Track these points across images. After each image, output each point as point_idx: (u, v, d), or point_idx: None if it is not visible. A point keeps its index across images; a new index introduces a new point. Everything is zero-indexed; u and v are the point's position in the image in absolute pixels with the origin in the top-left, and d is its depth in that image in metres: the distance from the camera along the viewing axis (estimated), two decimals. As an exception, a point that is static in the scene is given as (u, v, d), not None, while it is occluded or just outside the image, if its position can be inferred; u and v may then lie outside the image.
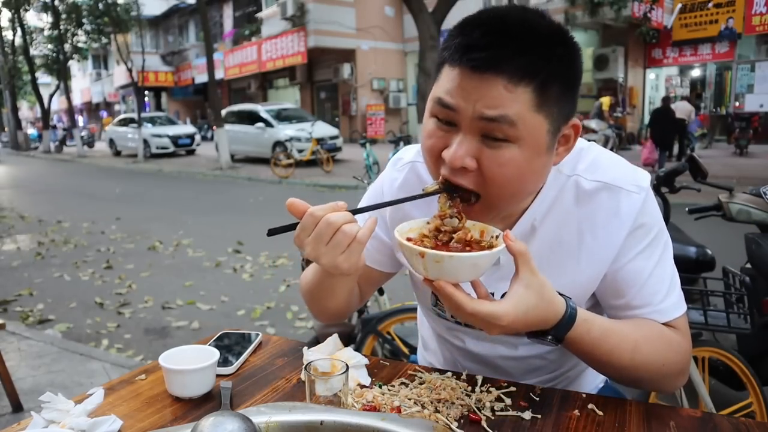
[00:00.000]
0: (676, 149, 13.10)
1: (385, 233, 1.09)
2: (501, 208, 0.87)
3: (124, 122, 21.08)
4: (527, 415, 0.84)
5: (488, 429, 0.81)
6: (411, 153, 1.08)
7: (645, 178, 0.93)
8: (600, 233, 0.92)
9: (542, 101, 0.78)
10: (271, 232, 0.80)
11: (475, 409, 0.85)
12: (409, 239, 0.82)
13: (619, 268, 0.92)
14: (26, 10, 22.60)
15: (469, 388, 0.92)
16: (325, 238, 0.78)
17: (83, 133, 24.57)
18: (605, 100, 13.49)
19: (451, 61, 0.80)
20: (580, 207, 0.93)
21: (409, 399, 0.88)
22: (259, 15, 22.35)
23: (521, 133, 0.78)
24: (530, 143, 0.79)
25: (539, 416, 0.84)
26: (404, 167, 1.07)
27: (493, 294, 0.95)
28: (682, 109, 12.94)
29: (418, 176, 1.04)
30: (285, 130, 14.71)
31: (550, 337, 0.84)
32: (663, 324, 0.92)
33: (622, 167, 0.94)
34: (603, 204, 0.91)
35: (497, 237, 0.82)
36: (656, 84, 18.40)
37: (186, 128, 21.07)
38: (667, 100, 12.52)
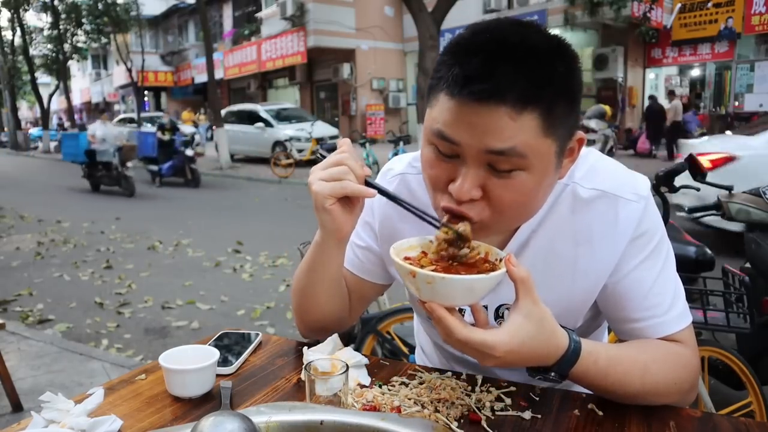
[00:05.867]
0: (675, 149, 13.17)
1: (376, 243, 1.06)
2: (501, 230, 0.85)
3: (124, 122, 21.08)
4: (527, 414, 0.84)
5: (488, 429, 0.81)
6: (401, 164, 1.04)
7: (645, 185, 0.90)
8: (597, 244, 0.88)
9: (549, 124, 0.74)
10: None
11: (475, 409, 0.85)
12: (407, 258, 0.77)
13: (620, 279, 0.89)
14: (26, 10, 22.60)
15: (469, 388, 0.92)
16: (326, 164, 0.85)
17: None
18: (608, 110, 13.48)
19: (450, 92, 0.74)
20: (576, 216, 0.89)
21: (409, 399, 0.88)
22: (258, 15, 22.32)
23: (530, 161, 0.74)
24: (539, 168, 0.76)
25: (539, 416, 0.84)
26: (394, 179, 1.02)
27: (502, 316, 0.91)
28: (677, 107, 13.20)
29: (409, 189, 1.00)
30: (285, 130, 14.72)
31: (553, 374, 0.79)
32: (668, 336, 0.89)
33: (620, 175, 0.91)
34: (600, 213, 0.88)
35: (500, 260, 0.76)
36: (656, 84, 18.39)
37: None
38: (653, 98, 14.43)
